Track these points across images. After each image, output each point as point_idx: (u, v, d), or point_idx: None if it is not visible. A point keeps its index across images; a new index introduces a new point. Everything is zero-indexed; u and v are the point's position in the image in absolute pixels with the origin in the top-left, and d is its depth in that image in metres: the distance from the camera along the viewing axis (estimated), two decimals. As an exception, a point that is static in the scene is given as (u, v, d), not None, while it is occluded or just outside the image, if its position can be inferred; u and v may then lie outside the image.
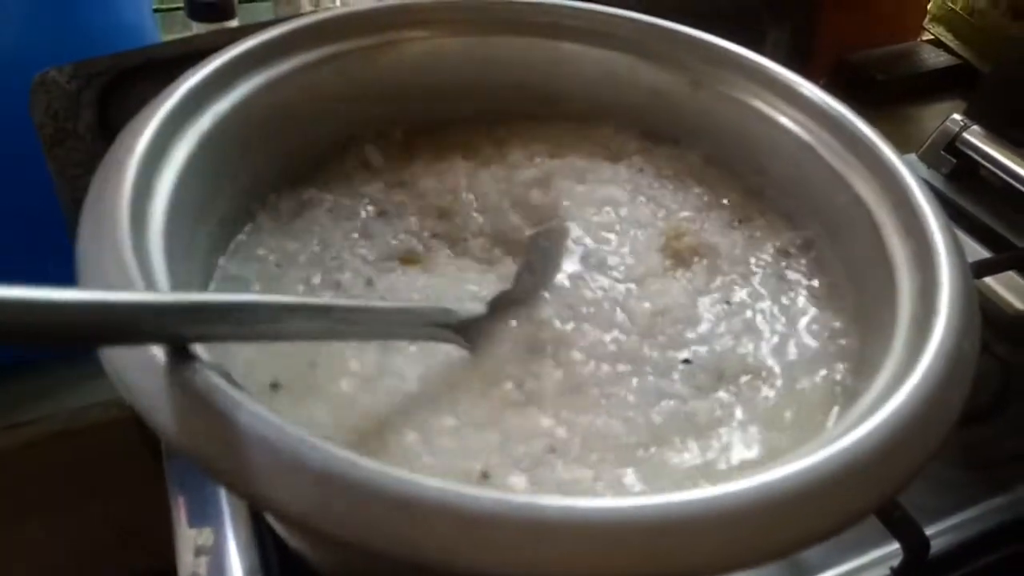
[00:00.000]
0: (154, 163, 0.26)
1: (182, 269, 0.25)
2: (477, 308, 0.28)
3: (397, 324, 0.26)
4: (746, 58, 0.34)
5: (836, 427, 0.22)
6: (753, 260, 0.32)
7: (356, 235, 0.32)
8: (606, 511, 0.18)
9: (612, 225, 0.33)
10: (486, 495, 0.18)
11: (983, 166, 0.55)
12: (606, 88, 0.37)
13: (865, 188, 0.30)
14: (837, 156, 0.32)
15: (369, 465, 0.18)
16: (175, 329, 0.19)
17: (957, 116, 0.57)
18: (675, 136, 0.37)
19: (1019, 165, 0.54)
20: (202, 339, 0.20)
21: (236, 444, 0.19)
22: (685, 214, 0.34)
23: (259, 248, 0.31)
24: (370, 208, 0.33)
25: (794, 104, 0.33)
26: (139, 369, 0.20)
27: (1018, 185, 0.52)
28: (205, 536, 0.36)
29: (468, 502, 0.18)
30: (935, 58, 0.76)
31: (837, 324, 0.30)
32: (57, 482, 0.53)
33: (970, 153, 0.56)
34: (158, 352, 0.20)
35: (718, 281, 0.31)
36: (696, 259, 0.32)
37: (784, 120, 0.33)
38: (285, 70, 0.32)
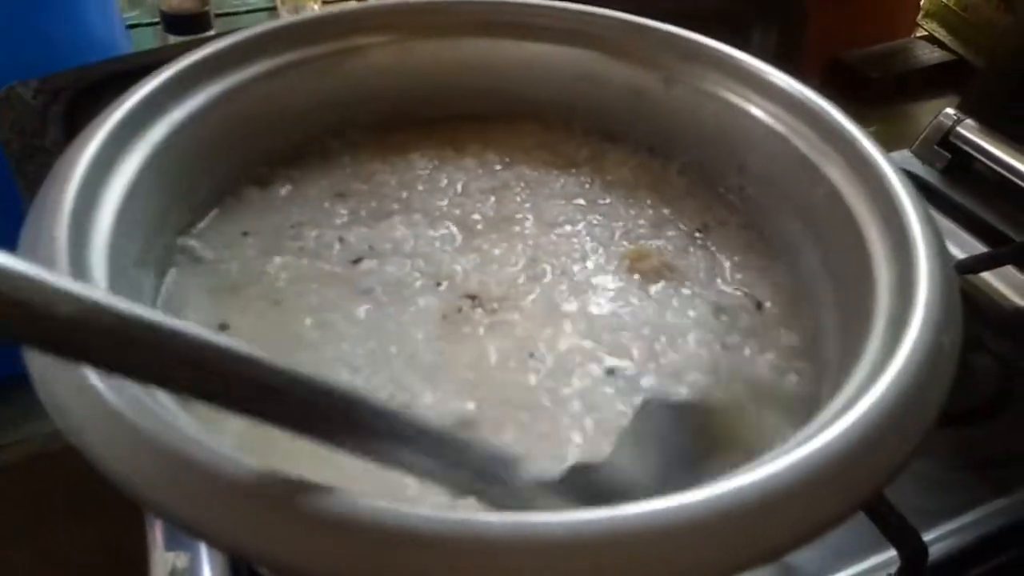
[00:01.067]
0: (100, 175, 0.25)
1: (128, 280, 0.24)
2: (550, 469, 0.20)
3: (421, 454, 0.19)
4: (721, 52, 0.33)
5: (807, 428, 0.21)
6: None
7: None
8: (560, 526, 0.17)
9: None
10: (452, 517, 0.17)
11: (978, 160, 0.54)
12: (578, 88, 0.36)
13: (842, 179, 0.29)
14: (813, 148, 0.31)
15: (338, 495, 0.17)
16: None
17: (950, 110, 0.56)
18: (650, 133, 0.36)
19: (1014, 158, 0.52)
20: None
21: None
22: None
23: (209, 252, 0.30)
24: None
25: (769, 96, 0.32)
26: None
27: (1014, 178, 0.51)
28: (181, 560, 0.35)
29: (446, 529, 0.17)
30: (929, 54, 0.75)
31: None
32: (41, 505, 0.53)
33: (964, 147, 0.54)
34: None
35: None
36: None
37: (759, 112, 0.32)
38: (246, 77, 0.32)
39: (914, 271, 0.24)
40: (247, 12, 0.59)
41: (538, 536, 0.17)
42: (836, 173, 0.29)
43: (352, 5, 0.35)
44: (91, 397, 0.19)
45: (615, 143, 0.37)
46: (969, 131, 0.55)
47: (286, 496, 0.17)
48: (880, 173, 0.28)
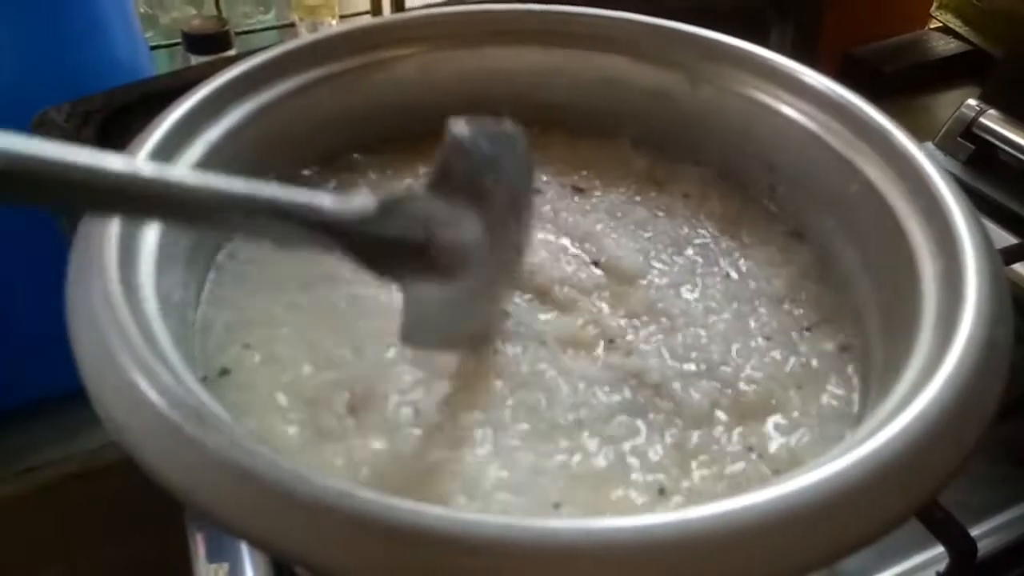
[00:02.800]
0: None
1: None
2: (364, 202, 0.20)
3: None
4: (746, 51, 0.33)
5: (863, 428, 0.21)
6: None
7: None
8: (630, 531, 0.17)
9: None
10: (484, 520, 0.17)
11: (1002, 150, 0.54)
12: (604, 93, 0.36)
13: (877, 174, 0.29)
14: (847, 144, 0.30)
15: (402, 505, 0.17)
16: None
17: (972, 101, 0.56)
18: (678, 138, 0.36)
19: (1038, 147, 0.52)
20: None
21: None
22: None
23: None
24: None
25: (798, 94, 0.32)
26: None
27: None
28: (224, 572, 0.35)
29: (519, 536, 0.17)
30: (944, 45, 0.74)
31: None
32: (75, 525, 0.53)
33: (988, 138, 0.54)
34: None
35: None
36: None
37: (789, 111, 0.32)
38: (276, 95, 0.32)
39: (961, 264, 0.24)
40: (263, 30, 0.60)
41: (609, 541, 0.17)
42: (871, 169, 0.29)
43: (376, 19, 0.35)
44: (148, 411, 0.19)
45: (642, 148, 0.37)
46: (992, 121, 0.54)
47: (363, 508, 0.17)
48: (917, 167, 0.28)
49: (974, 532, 0.33)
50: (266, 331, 0.27)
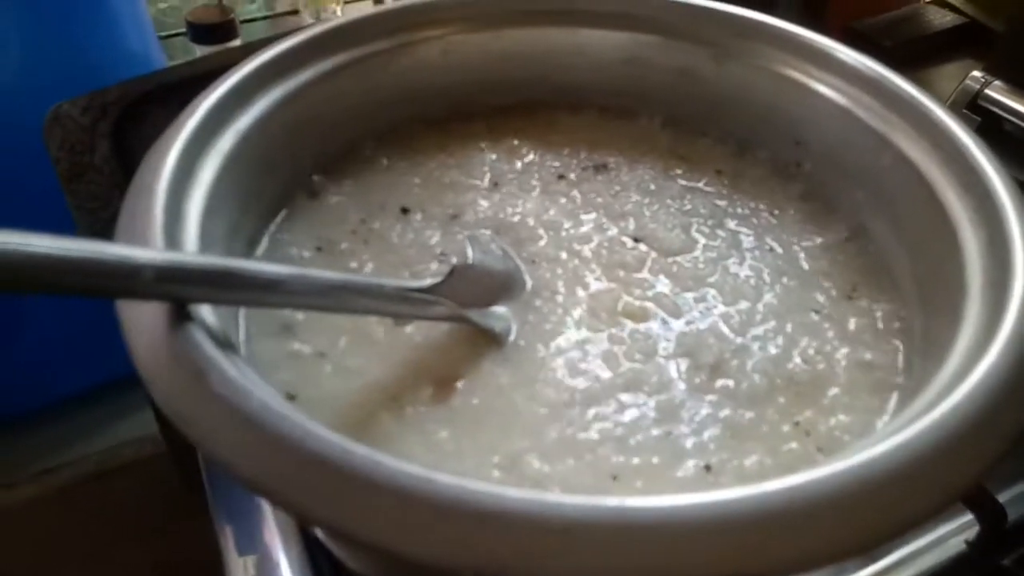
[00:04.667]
0: (182, 186, 0.25)
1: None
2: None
3: (393, 300, 0.25)
4: (773, 26, 0.33)
5: (921, 400, 0.21)
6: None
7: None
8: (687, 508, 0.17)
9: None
10: (572, 501, 0.17)
11: (1008, 121, 0.54)
12: (627, 72, 0.36)
13: (911, 146, 0.29)
14: (878, 117, 0.30)
15: (445, 479, 0.17)
16: (164, 288, 0.19)
17: (977, 73, 0.56)
18: (703, 117, 0.36)
19: (1044, 117, 0.52)
20: (190, 300, 0.20)
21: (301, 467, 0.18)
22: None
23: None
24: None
25: (827, 68, 0.32)
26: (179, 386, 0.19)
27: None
28: (256, 563, 0.35)
29: (556, 511, 0.17)
30: (941, 19, 0.74)
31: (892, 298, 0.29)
32: (93, 526, 0.53)
33: (994, 109, 0.54)
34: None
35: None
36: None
37: (818, 86, 0.32)
38: (302, 81, 0.31)
39: (1006, 233, 0.24)
40: (264, 18, 0.59)
41: (680, 518, 0.17)
42: (904, 140, 0.29)
43: (396, 4, 0.35)
44: (218, 407, 0.18)
45: (666, 126, 0.37)
46: (997, 92, 0.55)
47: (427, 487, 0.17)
48: (953, 137, 0.28)
49: (1002, 498, 0.33)
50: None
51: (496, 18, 0.36)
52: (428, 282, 0.26)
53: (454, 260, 0.29)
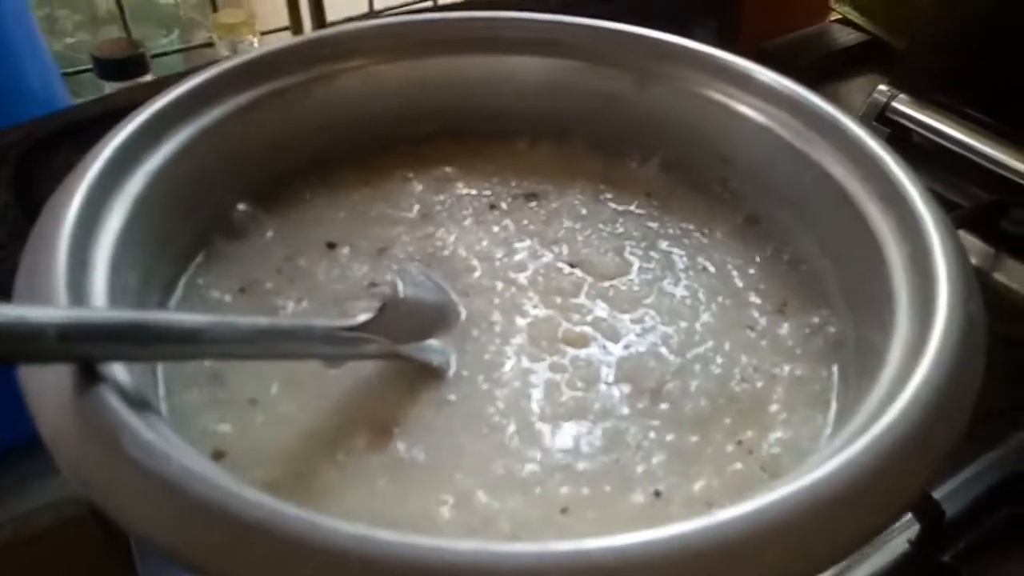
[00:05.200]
0: (87, 234, 0.24)
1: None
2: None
3: (324, 342, 0.24)
4: (694, 49, 0.34)
5: (861, 415, 0.21)
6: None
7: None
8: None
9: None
10: (522, 549, 0.16)
11: (915, 132, 0.56)
12: (550, 97, 0.36)
13: (832, 163, 0.30)
14: (799, 136, 0.31)
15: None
16: (68, 348, 0.18)
17: (883, 87, 0.58)
18: (630, 140, 0.36)
19: (949, 127, 0.55)
20: (100, 359, 0.19)
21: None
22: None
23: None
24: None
25: (747, 89, 0.33)
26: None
27: (953, 147, 0.54)
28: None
29: (507, 560, 0.16)
30: (845, 36, 0.78)
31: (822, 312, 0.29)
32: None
33: (902, 121, 0.57)
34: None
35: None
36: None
37: (740, 106, 0.33)
38: (218, 116, 0.30)
39: (928, 246, 0.25)
40: (176, 51, 0.57)
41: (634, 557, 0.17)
42: (825, 158, 0.30)
43: (313, 34, 0.34)
44: (133, 473, 0.17)
45: (594, 150, 0.37)
46: (903, 105, 0.57)
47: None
48: (872, 154, 0.28)
49: (938, 495, 0.34)
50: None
51: (417, 47, 0.35)
52: (360, 319, 0.25)
53: (384, 294, 0.28)
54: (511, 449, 0.25)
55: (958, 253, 0.25)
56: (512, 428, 0.25)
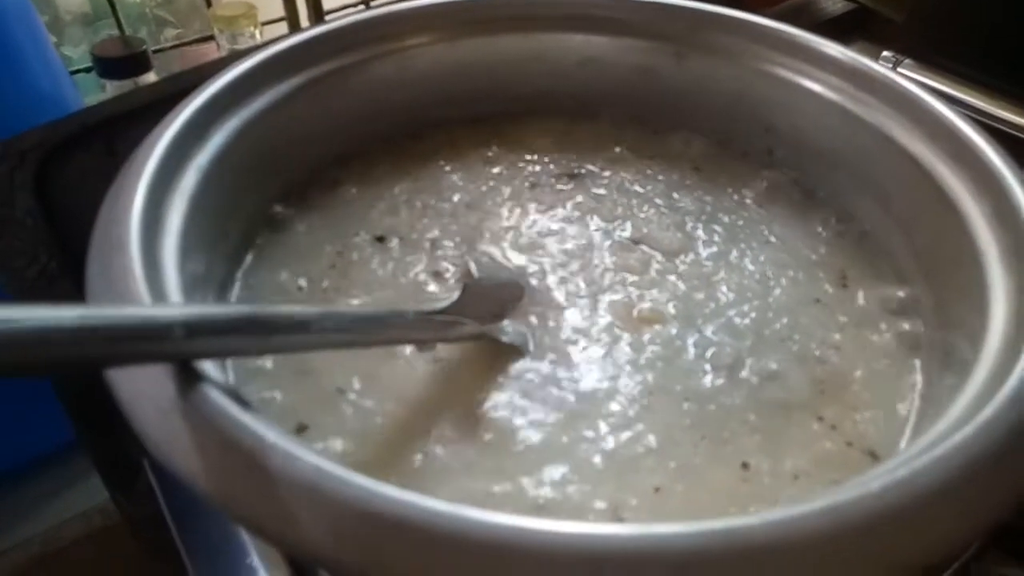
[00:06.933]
0: (153, 234, 0.22)
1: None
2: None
3: (417, 327, 0.24)
4: (732, 17, 0.33)
5: (973, 383, 0.21)
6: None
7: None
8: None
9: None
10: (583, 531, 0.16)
11: (924, 96, 0.56)
12: (591, 75, 0.35)
13: (891, 124, 0.29)
14: (850, 98, 0.31)
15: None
16: (197, 344, 0.17)
17: (888, 53, 0.58)
18: (669, 114, 0.35)
19: (956, 90, 0.55)
20: (223, 355, 0.19)
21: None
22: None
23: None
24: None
25: (790, 54, 0.32)
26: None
27: (962, 110, 0.54)
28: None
29: (567, 543, 0.16)
30: (832, 6, 0.78)
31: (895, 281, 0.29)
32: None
33: (910, 86, 0.57)
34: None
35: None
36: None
37: (783, 72, 0.32)
38: (259, 107, 0.29)
39: (1013, 201, 0.24)
40: (174, 47, 0.55)
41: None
42: (883, 119, 0.30)
43: (348, 19, 0.33)
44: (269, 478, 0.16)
45: (632, 125, 0.36)
46: (909, 70, 0.57)
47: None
48: (934, 112, 0.28)
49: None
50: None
51: (452, 28, 0.34)
52: (444, 303, 0.24)
53: (449, 279, 0.27)
54: (598, 430, 0.24)
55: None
56: (594, 408, 0.25)
